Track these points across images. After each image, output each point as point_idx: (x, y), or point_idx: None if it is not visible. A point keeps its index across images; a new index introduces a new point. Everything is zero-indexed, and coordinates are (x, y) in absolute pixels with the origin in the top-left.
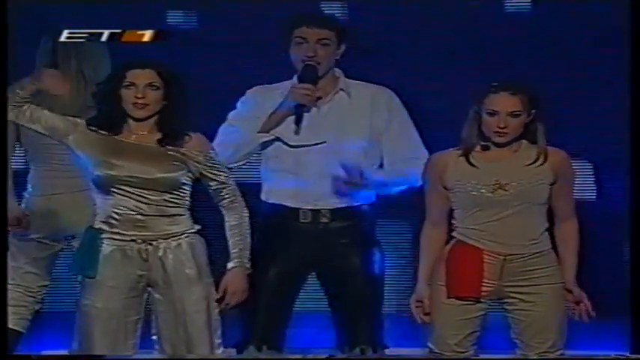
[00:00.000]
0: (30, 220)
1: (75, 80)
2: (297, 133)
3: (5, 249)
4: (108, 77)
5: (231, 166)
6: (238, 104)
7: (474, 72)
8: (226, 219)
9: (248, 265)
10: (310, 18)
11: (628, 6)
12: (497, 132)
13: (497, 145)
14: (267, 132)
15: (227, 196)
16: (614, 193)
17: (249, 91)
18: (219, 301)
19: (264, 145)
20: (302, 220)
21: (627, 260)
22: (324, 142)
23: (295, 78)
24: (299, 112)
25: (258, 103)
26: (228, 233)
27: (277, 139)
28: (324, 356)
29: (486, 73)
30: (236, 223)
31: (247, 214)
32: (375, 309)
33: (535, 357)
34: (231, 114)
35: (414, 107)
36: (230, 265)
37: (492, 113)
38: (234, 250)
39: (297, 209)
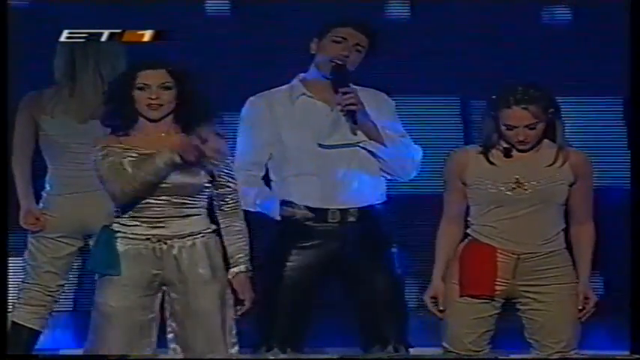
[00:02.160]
0: (48, 219)
1: (92, 80)
2: (354, 133)
3: (5, 248)
4: (119, 78)
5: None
6: (242, 116)
7: (476, 73)
8: (227, 223)
9: (250, 269)
10: (357, 21)
11: (628, 6)
12: (519, 142)
13: (521, 151)
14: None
15: (231, 202)
16: (615, 192)
17: (250, 99)
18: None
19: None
20: (330, 220)
21: (628, 259)
22: (362, 141)
23: (297, 80)
24: (351, 116)
25: (262, 110)
26: (230, 237)
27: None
28: (335, 356)
29: (488, 74)
30: (240, 228)
31: (244, 221)
32: (400, 308)
33: (556, 357)
34: (243, 118)
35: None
36: (237, 269)
37: (510, 128)
38: (240, 255)
39: (325, 210)
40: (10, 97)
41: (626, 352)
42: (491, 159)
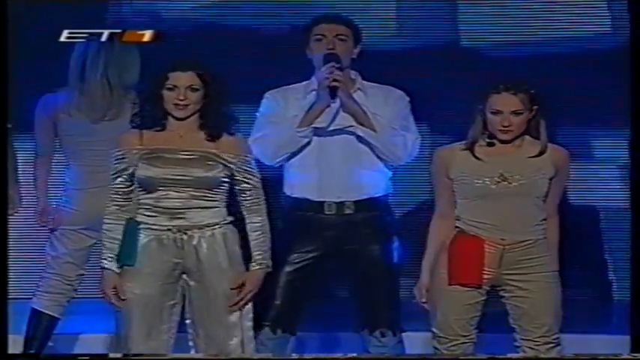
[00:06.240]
0: (68, 213)
1: (100, 85)
2: (333, 101)
3: (5, 247)
4: (151, 78)
5: (271, 163)
6: (261, 108)
7: (476, 72)
8: (249, 219)
9: (270, 265)
10: (328, 15)
11: (628, 6)
12: (502, 130)
13: (503, 141)
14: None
15: (250, 198)
16: (615, 188)
17: (267, 94)
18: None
19: (303, 147)
20: (327, 212)
21: (629, 256)
22: (351, 126)
23: (313, 78)
24: (332, 92)
25: (279, 104)
26: (251, 234)
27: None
28: (351, 355)
29: (488, 74)
30: (259, 225)
31: (266, 216)
32: (394, 295)
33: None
34: (261, 113)
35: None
36: (254, 266)
37: (496, 112)
38: (258, 252)
39: (322, 202)
40: (10, 97)
41: (626, 352)
42: (476, 154)
